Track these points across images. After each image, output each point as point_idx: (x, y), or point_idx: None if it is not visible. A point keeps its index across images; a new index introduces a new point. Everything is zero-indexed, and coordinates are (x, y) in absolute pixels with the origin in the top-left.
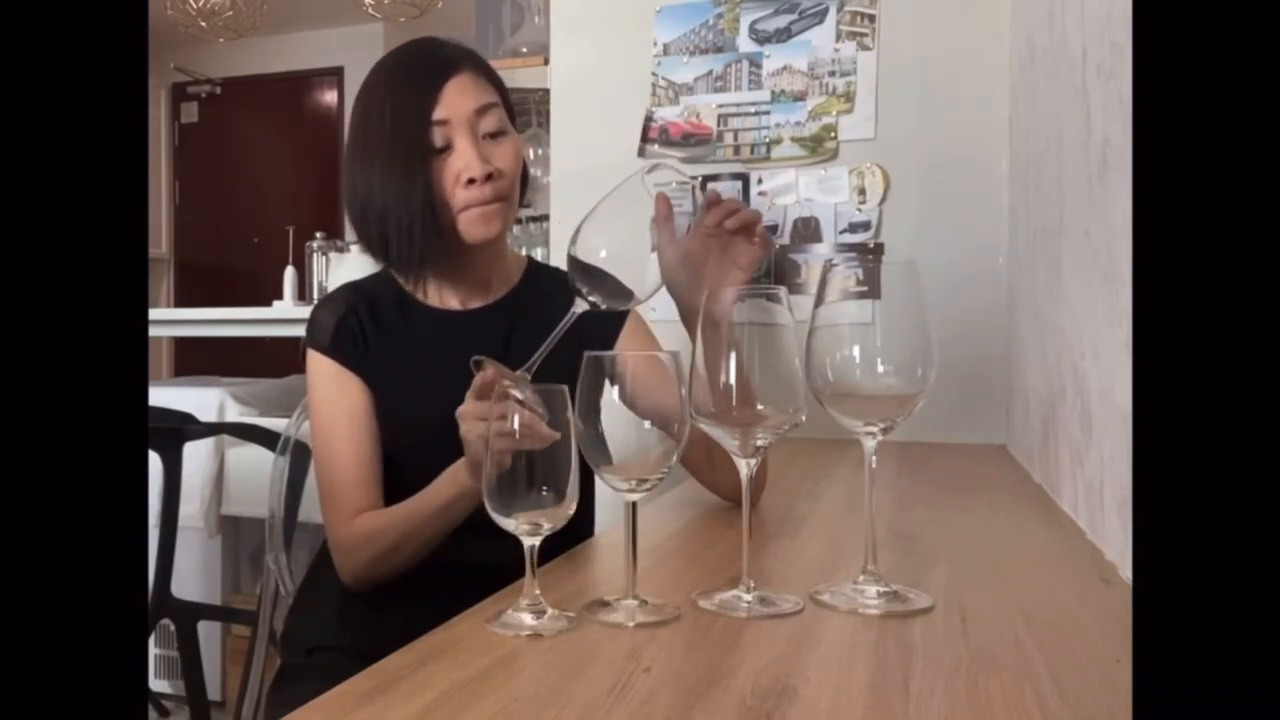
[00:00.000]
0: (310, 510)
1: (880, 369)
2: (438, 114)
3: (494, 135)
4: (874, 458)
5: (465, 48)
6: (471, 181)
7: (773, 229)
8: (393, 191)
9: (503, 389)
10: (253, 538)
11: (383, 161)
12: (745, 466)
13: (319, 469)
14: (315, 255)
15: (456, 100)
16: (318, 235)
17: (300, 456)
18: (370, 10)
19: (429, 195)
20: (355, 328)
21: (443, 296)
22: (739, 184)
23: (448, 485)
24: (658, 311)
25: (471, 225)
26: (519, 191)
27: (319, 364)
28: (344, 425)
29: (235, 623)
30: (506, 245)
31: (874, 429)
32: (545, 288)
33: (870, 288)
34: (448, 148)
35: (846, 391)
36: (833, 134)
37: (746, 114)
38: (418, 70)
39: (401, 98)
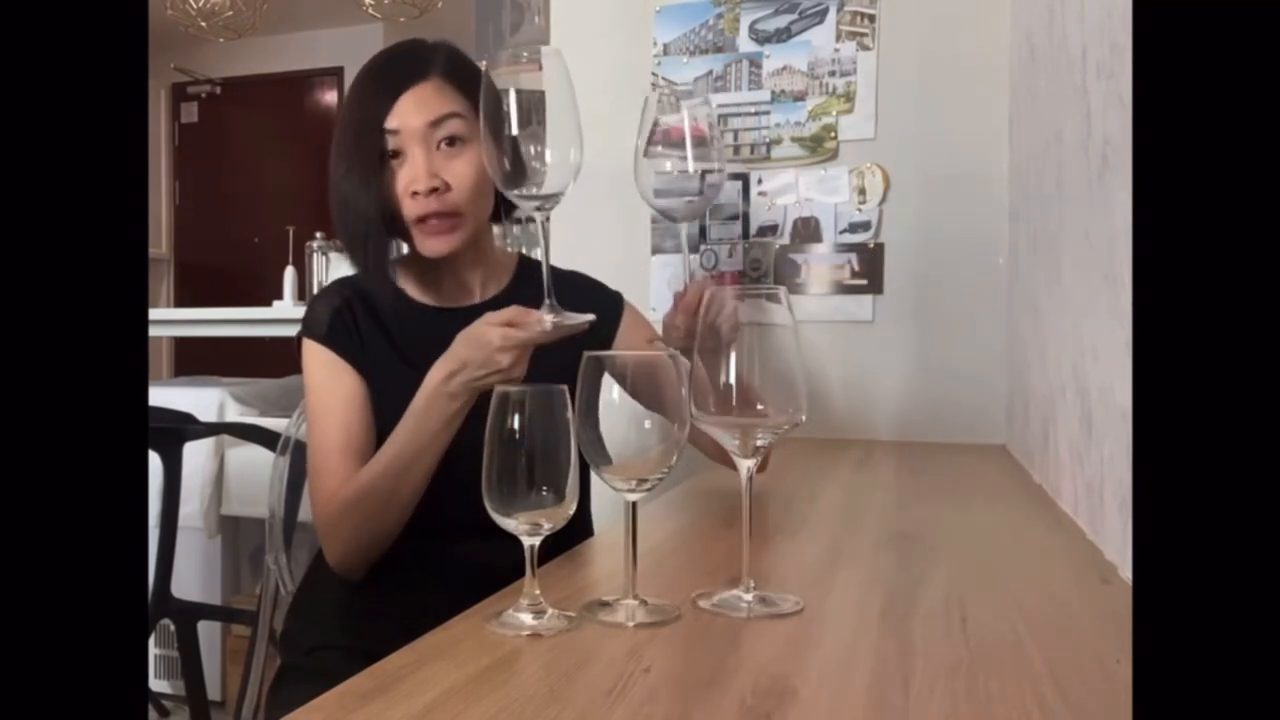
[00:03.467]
0: (310, 510)
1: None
2: (389, 123)
3: (451, 144)
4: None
5: (446, 51)
6: (417, 194)
7: (773, 229)
8: (355, 195)
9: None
10: (253, 538)
11: (347, 164)
12: (745, 466)
13: (310, 450)
14: (315, 255)
15: (409, 111)
16: (318, 235)
17: (300, 456)
18: (370, 10)
19: (383, 202)
20: (350, 321)
21: (431, 294)
22: (739, 184)
23: (422, 398)
24: (658, 311)
25: (422, 240)
26: (485, 200)
27: (314, 352)
28: (337, 410)
29: (235, 623)
30: (492, 245)
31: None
32: (538, 285)
33: (870, 281)
34: (403, 155)
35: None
36: (833, 134)
37: (746, 114)
38: (384, 76)
39: (363, 103)
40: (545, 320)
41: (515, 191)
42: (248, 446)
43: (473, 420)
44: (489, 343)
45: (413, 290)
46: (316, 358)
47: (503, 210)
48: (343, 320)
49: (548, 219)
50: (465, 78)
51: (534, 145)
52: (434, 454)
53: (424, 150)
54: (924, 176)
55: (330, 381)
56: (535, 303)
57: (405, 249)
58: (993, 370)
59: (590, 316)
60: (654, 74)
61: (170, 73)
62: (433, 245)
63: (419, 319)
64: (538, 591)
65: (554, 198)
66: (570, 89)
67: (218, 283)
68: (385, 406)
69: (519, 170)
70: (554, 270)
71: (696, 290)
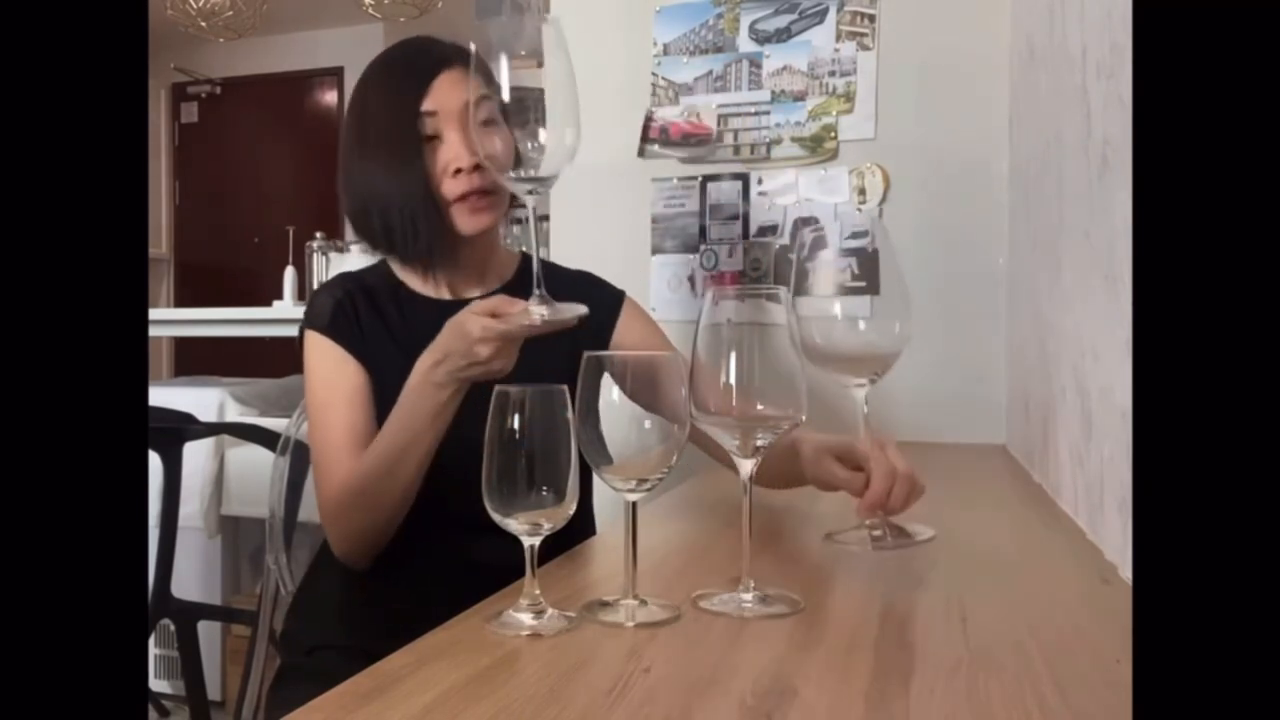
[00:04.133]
0: (310, 510)
1: (861, 326)
2: (427, 105)
3: (485, 125)
4: (865, 405)
5: (459, 45)
6: (459, 171)
7: (773, 229)
8: (393, 182)
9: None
10: (253, 538)
11: (381, 153)
12: (745, 466)
13: (313, 441)
14: (315, 255)
15: (447, 92)
16: (318, 235)
17: (300, 456)
18: (370, 10)
19: (426, 184)
20: (351, 313)
21: (437, 287)
22: (739, 184)
23: (410, 388)
24: (658, 311)
25: (462, 217)
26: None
27: (317, 344)
28: (340, 400)
29: (235, 623)
30: (499, 239)
31: (862, 382)
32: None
33: (868, 283)
34: (438, 139)
35: (835, 355)
36: (833, 134)
37: (746, 114)
38: (411, 64)
39: (394, 90)
40: (532, 312)
41: (509, 174)
42: (248, 446)
43: (472, 417)
44: (469, 333)
45: (415, 283)
46: (319, 349)
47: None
48: (345, 312)
49: (537, 205)
50: (483, 66)
51: (528, 129)
52: (427, 444)
53: (460, 131)
54: (924, 176)
55: (333, 373)
56: None
57: None
58: (993, 370)
59: (581, 308)
60: (654, 74)
61: (170, 73)
62: (473, 222)
63: (421, 312)
64: (538, 591)
65: (547, 181)
66: (568, 63)
67: (218, 283)
68: (388, 399)
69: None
70: (560, 269)
71: (882, 485)
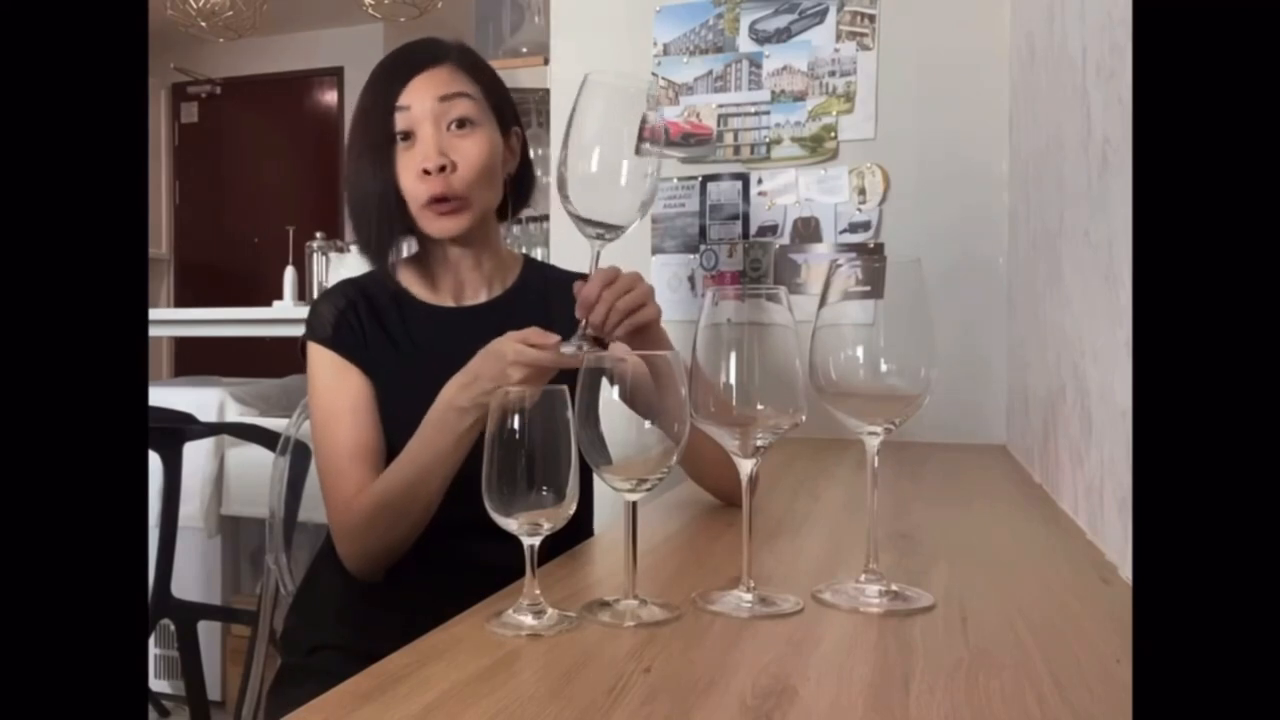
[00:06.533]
0: (310, 510)
1: (883, 368)
2: (401, 100)
3: (460, 125)
4: (876, 457)
5: (459, 45)
6: (427, 173)
7: (773, 229)
8: (363, 178)
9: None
10: (253, 538)
11: (357, 149)
12: (745, 466)
13: (320, 455)
14: (315, 255)
15: (422, 88)
16: (318, 235)
17: (300, 456)
18: (370, 10)
19: (390, 184)
20: (354, 322)
21: (436, 293)
22: (739, 184)
23: (436, 411)
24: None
25: (429, 221)
26: (492, 188)
27: (320, 355)
28: (346, 411)
29: (235, 623)
30: (499, 243)
31: (875, 429)
32: (542, 286)
33: (873, 287)
34: (413, 136)
35: (849, 391)
36: (833, 134)
37: (746, 114)
38: (398, 62)
39: (377, 88)
40: (568, 349)
41: (577, 212)
42: (248, 446)
43: None
44: (502, 354)
45: (417, 289)
46: (322, 361)
47: (510, 209)
48: (347, 321)
49: (600, 248)
50: (479, 66)
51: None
52: (446, 470)
53: (434, 129)
54: (924, 177)
55: (337, 383)
56: (538, 300)
57: (414, 248)
58: (993, 370)
59: (622, 354)
60: (654, 74)
61: (170, 73)
62: (440, 226)
63: (424, 318)
64: (538, 591)
65: (619, 229)
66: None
67: (218, 283)
68: (392, 407)
69: (564, 180)
70: (561, 271)
71: (597, 282)
